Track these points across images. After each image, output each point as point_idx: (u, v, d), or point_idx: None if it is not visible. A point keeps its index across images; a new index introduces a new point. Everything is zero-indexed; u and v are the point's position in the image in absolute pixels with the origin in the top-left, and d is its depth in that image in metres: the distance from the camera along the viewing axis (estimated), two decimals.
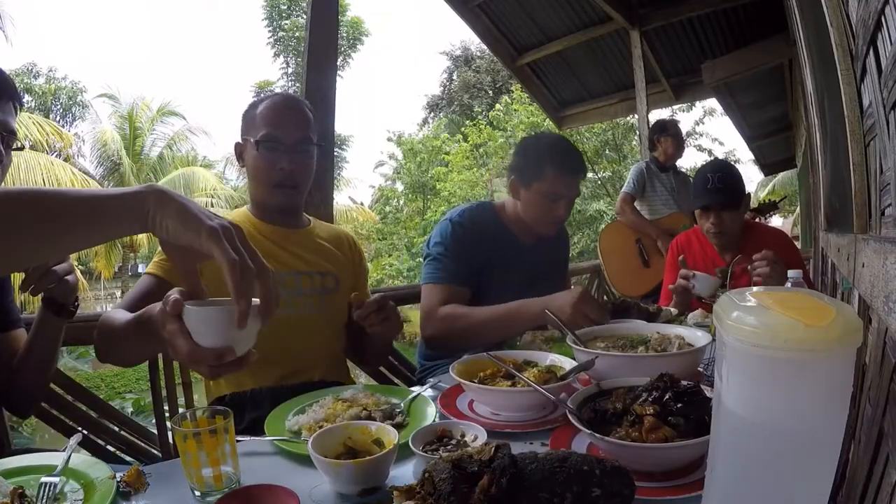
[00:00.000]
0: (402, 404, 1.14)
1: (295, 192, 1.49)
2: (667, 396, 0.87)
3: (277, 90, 19.65)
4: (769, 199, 4.18)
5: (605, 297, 4.12)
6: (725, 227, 2.05)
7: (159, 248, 1.42)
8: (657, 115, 5.52)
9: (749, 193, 2.19)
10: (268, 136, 1.43)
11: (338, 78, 2.64)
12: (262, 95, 1.60)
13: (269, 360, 1.41)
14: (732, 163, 2.37)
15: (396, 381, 2.23)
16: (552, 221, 1.78)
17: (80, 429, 1.59)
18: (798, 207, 11.48)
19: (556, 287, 2.04)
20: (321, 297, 1.50)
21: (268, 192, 1.48)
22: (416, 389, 1.24)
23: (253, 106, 1.50)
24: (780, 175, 13.82)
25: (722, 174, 2.05)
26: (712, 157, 12.51)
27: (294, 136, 1.44)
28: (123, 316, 1.08)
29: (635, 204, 3.69)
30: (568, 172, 1.73)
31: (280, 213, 1.52)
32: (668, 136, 3.69)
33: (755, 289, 0.60)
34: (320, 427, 1.01)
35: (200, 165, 17.16)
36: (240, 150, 1.53)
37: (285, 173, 1.44)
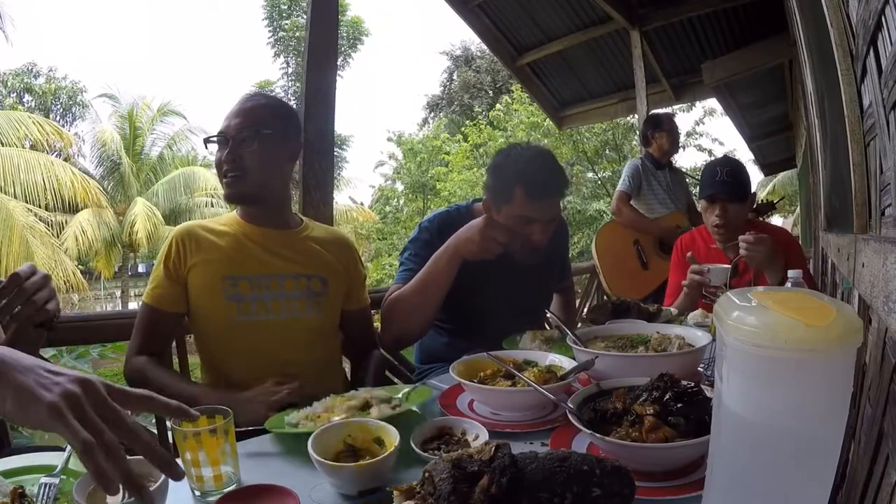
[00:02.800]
0: (400, 394, 1.13)
1: (238, 180, 1.43)
2: (667, 396, 0.87)
3: (278, 90, 19.63)
4: (768, 200, 4.14)
5: (604, 297, 4.09)
6: (730, 220, 2.08)
7: (152, 274, 1.45)
8: None
9: (755, 193, 2.22)
10: (216, 134, 1.44)
11: (338, 78, 2.64)
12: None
13: (261, 364, 1.39)
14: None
15: (397, 381, 2.23)
16: (526, 249, 1.62)
17: None
18: (798, 207, 11.47)
19: (551, 288, 2.02)
20: (308, 299, 1.47)
21: (223, 187, 1.48)
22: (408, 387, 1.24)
23: None
24: (781, 175, 13.79)
25: (730, 168, 2.11)
26: (713, 157, 12.52)
27: (234, 128, 1.42)
28: (168, 379, 1.34)
29: (631, 203, 3.59)
30: (538, 196, 1.55)
31: (240, 204, 1.50)
32: (663, 132, 3.55)
33: (756, 288, 0.60)
34: (318, 417, 1.01)
35: (201, 165, 17.10)
36: None
37: (227, 165, 1.42)
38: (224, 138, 1.43)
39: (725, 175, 2.07)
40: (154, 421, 1.75)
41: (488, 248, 1.45)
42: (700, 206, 2.21)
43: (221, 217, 1.57)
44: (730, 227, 2.09)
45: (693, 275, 1.93)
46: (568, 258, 2.16)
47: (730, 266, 1.89)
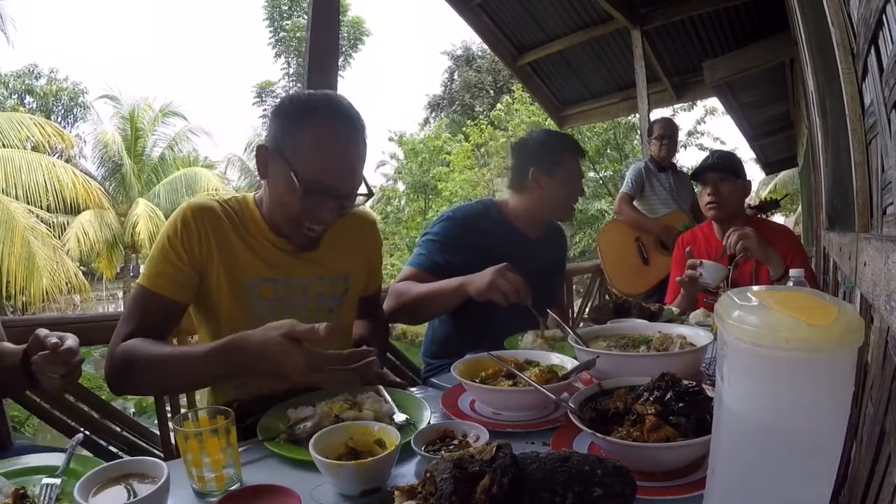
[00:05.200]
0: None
1: (322, 233, 1.31)
2: (668, 396, 0.87)
3: (279, 91, 19.60)
4: (771, 198, 4.15)
5: (607, 297, 4.12)
6: (722, 198, 2.12)
7: (150, 256, 1.28)
8: (659, 114, 5.50)
9: (749, 181, 2.29)
10: (319, 184, 1.19)
11: (339, 78, 2.64)
12: (305, 97, 1.26)
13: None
14: None
15: (399, 379, 2.23)
16: (575, 200, 1.93)
17: (81, 429, 1.59)
18: (800, 206, 11.45)
19: (557, 283, 2.15)
20: (330, 305, 1.38)
21: (291, 228, 1.28)
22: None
23: (298, 116, 1.20)
24: (782, 174, 13.77)
25: (721, 153, 2.26)
26: None
27: (347, 186, 1.24)
28: (162, 347, 1.15)
29: (634, 204, 3.71)
30: (581, 153, 1.95)
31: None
32: (658, 139, 3.70)
33: (757, 288, 0.60)
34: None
35: (202, 166, 17.14)
36: (264, 158, 1.25)
37: (329, 219, 1.25)
38: (334, 194, 1.23)
39: (716, 158, 2.18)
40: (157, 422, 1.75)
41: (498, 288, 1.49)
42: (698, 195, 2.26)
43: (245, 208, 1.36)
44: (723, 206, 2.12)
45: (687, 269, 1.94)
46: (564, 262, 2.27)
47: (723, 266, 1.88)
